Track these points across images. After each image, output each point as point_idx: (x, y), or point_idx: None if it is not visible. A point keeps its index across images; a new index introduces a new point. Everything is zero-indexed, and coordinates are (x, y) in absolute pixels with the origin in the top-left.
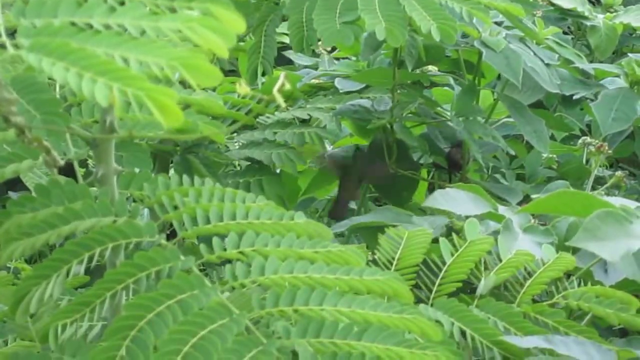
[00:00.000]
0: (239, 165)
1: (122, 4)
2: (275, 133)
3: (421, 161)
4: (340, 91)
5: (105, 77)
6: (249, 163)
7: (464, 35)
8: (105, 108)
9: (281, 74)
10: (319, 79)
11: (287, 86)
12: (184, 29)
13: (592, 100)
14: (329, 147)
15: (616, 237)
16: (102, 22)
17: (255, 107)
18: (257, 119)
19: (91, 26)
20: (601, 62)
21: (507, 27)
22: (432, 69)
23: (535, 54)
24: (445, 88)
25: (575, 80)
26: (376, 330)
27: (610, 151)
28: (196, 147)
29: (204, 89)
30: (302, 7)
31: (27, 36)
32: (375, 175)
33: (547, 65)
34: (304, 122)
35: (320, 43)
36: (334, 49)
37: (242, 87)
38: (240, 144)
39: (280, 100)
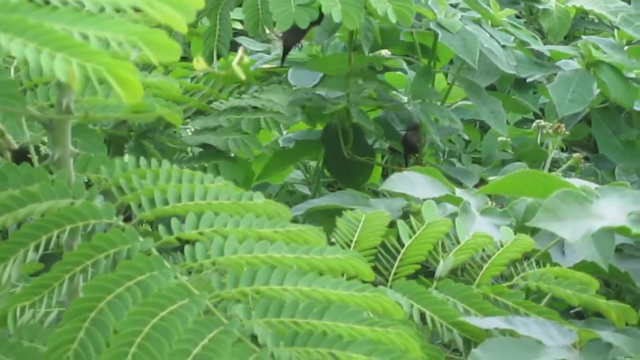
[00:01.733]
0: (191, 151)
1: None
2: (229, 119)
3: (376, 146)
4: (294, 88)
5: (63, 52)
6: (202, 149)
7: (419, 18)
8: (62, 90)
9: (240, 48)
10: (270, 64)
11: (246, 60)
12: (143, 5)
13: (544, 84)
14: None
15: (577, 217)
16: None
17: (210, 91)
18: (211, 105)
19: (48, 3)
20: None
21: (463, 9)
22: (386, 53)
23: (491, 35)
24: (398, 72)
25: (531, 62)
26: (338, 308)
27: (567, 132)
28: (151, 132)
29: (160, 68)
30: None
31: None
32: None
33: (503, 47)
34: (257, 108)
35: (274, 28)
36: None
37: (200, 63)
38: (194, 129)
39: (240, 73)
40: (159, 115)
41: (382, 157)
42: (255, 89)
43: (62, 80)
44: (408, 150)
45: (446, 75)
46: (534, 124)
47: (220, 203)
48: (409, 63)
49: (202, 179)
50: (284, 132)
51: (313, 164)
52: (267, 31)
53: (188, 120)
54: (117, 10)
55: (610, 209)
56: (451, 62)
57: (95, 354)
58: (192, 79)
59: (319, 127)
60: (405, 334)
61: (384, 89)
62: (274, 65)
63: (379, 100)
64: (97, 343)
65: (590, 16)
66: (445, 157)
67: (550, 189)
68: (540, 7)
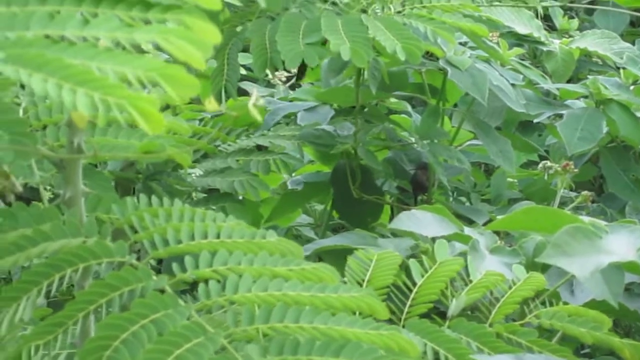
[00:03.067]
0: (195, 195)
1: (95, 16)
2: (238, 161)
3: (385, 187)
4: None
5: (85, 87)
6: (209, 192)
7: (427, 57)
8: (72, 130)
9: (253, 89)
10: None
11: (261, 101)
12: (160, 40)
13: (552, 124)
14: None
15: (586, 253)
16: (76, 34)
17: (217, 134)
18: (219, 148)
19: (64, 39)
20: None
21: (471, 48)
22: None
23: (500, 74)
24: (403, 115)
25: (540, 100)
26: (354, 346)
27: (576, 170)
28: (159, 175)
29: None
30: (264, 29)
31: (1, 49)
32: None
33: (513, 85)
34: (265, 149)
35: (277, 73)
36: (289, 79)
37: (212, 104)
38: (202, 172)
39: (256, 114)
40: (168, 156)
41: (391, 198)
42: (262, 131)
43: (85, 113)
44: (417, 189)
45: (451, 118)
46: (541, 165)
47: (233, 241)
48: (414, 107)
49: (214, 218)
50: (293, 175)
51: (319, 207)
52: (270, 76)
53: (196, 163)
54: (134, 46)
55: (620, 244)
56: (455, 105)
57: None
58: (200, 121)
59: (327, 169)
60: None
61: (392, 130)
62: None
63: (387, 140)
64: None
65: (594, 58)
66: (454, 196)
67: (558, 224)
68: (545, 49)
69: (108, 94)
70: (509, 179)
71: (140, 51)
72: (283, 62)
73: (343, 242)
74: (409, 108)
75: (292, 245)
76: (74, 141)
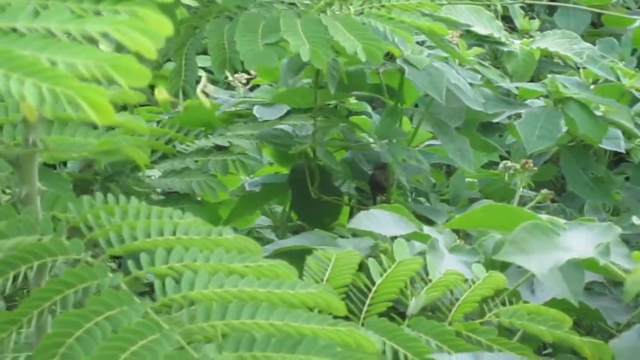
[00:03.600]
0: (154, 197)
1: (46, 7)
2: (196, 161)
3: (343, 188)
4: (260, 120)
5: (33, 77)
6: (166, 194)
7: (385, 57)
8: (28, 127)
9: (203, 77)
10: (236, 107)
11: (211, 88)
12: (112, 31)
13: (512, 123)
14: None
15: (544, 250)
16: (26, 25)
17: (175, 135)
18: (177, 149)
19: (15, 30)
20: None
21: (429, 47)
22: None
23: (458, 73)
24: (363, 117)
25: (499, 99)
26: (310, 342)
27: (535, 168)
28: (117, 176)
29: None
30: (222, 30)
31: None
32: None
33: (471, 84)
34: (224, 149)
35: (236, 75)
36: (248, 81)
37: (162, 93)
38: (161, 173)
39: (205, 101)
40: (126, 156)
41: (350, 199)
42: (220, 131)
43: (34, 104)
44: (375, 190)
45: (411, 119)
46: (501, 165)
47: (190, 238)
48: (374, 108)
49: (171, 215)
50: (251, 176)
51: (279, 209)
52: (230, 78)
53: (154, 164)
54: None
55: (578, 241)
56: (416, 106)
57: None
58: (157, 123)
59: (286, 171)
60: None
61: (350, 130)
62: (239, 109)
63: (345, 140)
64: None
65: (555, 58)
66: (413, 196)
67: (517, 222)
68: (505, 49)
69: (56, 84)
70: (470, 179)
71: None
72: (242, 63)
73: (302, 243)
74: (369, 109)
75: (249, 243)
76: (29, 138)
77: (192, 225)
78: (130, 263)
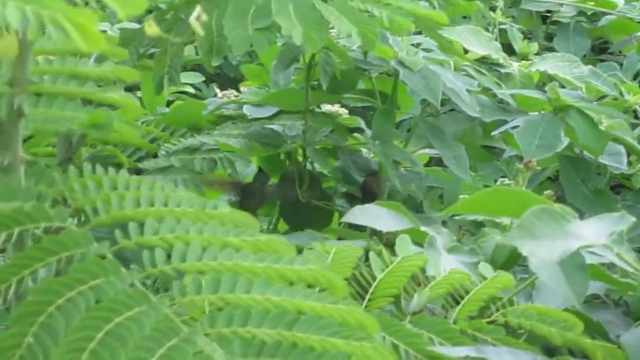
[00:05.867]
0: None
1: None
2: (181, 160)
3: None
4: (250, 118)
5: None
6: None
7: (378, 61)
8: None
9: (197, 6)
10: (226, 108)
11: (204, 17)
12: None
13: (509, 134)
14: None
15: (554, 236)
16: None
17: (160, 134)
18: (162, 148)
19: None
20: None
21: (425, 50)
22: (343, 111)
23: (453, 78)
24: (355, 117)
25: (496, 106)
26: (309, 319)
27: (539, 168)
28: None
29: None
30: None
31: None
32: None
33: (467, 91)
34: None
35: (226, 92)
36: (238, 89)
37: (152, 27)
38: (144, 171)
39: (198, 28)
40: (116, 132)
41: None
42: (207, 131)
43: (15, 27)
44: (367, 196)
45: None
46: (498, 183)
47: (183, 210)
48: (366, 120)
49: (162, 187)
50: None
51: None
52: (219, 94)
53: (137, 162)
54: None
55: (590, 229)
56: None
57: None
58: (142, 123)
59: (274, 180)
60: (381, 348)
61: (339, 134)
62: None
63: (336, 141)
64: (46, 348)
65: (554, 80)
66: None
67: (526, 206)
68: (503, 70)
69: (42, 7)
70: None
71: None
72: (229, 48)
73: (294, 242)
74: (362, 124)
75: (246, 217)
76: (14, 103)
77: (185, 197)
78: (117, 233)
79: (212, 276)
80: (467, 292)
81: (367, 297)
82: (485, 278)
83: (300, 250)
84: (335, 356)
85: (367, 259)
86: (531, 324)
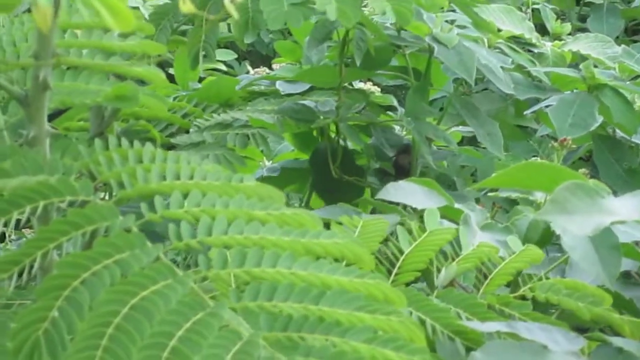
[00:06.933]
0: None
1: None
2: (214, 135)
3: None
4: (282, 94)
5: None
6: None
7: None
8: (39, 64)
9: None
10: (258, 85)
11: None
12: None
13: (543, 112)
14: (267, 163)
15: (587, 211)
16: None
17: (192, 109)
18: (194, 123)
19: None
20: None
21: (459, 27)
22: (375, 89)
23: (487, 54)
24: (387, 95)
25: (530, 84)
26: (336, 293)
27: (574, 146)
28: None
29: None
30: None
31: None
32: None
33: (502, 68)
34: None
35: (257, 69)
36: (270, 67)
37: (186, 4)
38: (177, 146)
39: (232, 10)
40: (142, 106)
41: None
42: (240, 107)
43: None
44: (399, 173)
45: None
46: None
47: (208, 183)
48: (399, 99)
49: (188, 161)
50: (268, 163)
51: (297, 203)
52: (251, 71)
53: (170, 137)
54: None
55: (624, 205)
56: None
57: (68, 334)
58: (174, 98)
59: (305, 157)
60: (409, 322)
61: (373, 111)
62: (261, 88)
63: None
64: (71, 322)
65: (587, 60)
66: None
67: (559, 181)
68: (536, 51)
69: None
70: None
71: None
72: (265, 23)
73: (326, 216)
74: (395, 102)
75: (272, 191)
76: (40, 75)
77: (211, 170)
78: (143, 206)
79: (238, 250)
80: (495, 267)
81: (395, 271)
82: (513, 252)
83: (328, 225)
84: (362, 330)
85: None
86: (559, 298)
